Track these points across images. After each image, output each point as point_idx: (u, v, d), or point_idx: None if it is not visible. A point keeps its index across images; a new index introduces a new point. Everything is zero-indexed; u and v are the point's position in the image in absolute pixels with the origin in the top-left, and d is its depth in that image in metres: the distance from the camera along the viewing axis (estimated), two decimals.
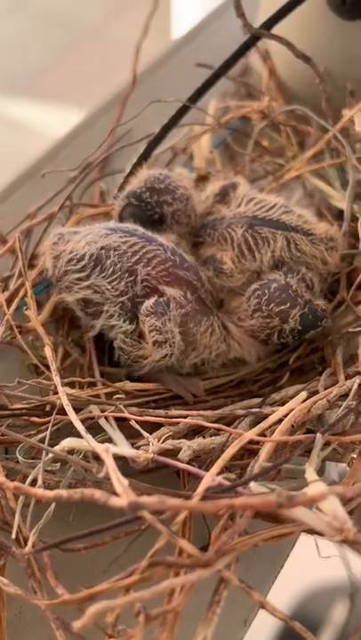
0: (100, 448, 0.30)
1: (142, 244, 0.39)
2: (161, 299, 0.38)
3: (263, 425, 0.31)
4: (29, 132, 1.54)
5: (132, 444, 0.35)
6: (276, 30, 0.46)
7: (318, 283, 0.42)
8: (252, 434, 0.30)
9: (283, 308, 0.39)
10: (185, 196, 0.43)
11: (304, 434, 0.33)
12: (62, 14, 1.85)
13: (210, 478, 0.28)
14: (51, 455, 0.33)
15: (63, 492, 0.27)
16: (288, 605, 0.85)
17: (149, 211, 0.42)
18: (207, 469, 0.31)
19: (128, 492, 0.27)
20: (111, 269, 0.38)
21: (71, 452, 0.33)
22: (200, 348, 0.40)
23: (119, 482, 0.27)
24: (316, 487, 0.27)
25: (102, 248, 0.39)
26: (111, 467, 0.28)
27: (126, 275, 0.38)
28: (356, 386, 0.34)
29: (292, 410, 0.33)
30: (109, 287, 0.38)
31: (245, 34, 0.45)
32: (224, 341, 0.40)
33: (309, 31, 0.50)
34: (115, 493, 0.27)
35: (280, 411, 0.31)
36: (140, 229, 0.40)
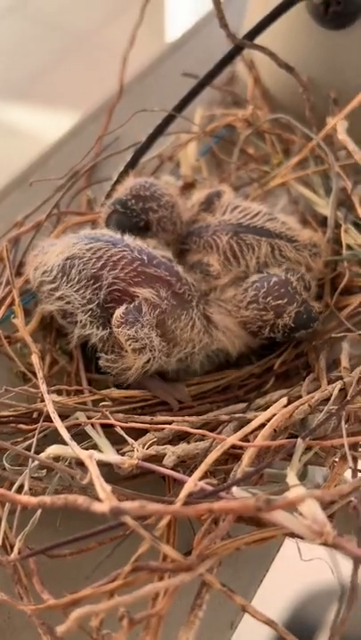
0: (84, 455, 0.31)
1: (107, 248, 0.39)
2: (131, 305, 0.38)
3: (246, 430, 0.31)
4: (23, 135, 1.55)
5: (118, 450, 0.35)
6: (260, 40, 0.46)
7: (314, 285, 0.42)
8: (234, 439, 0.31)
9: (280, 302, 0.39)
10: (170, 204, 0.43)
11: (287, 438, 0.33)
12: (57, 19, 1.86)
13: (192, 483, 0.28)
14: (37, 462, 0.33)
15: (47, 499, 0.28)
16: (285, 608, 0.85)
17: (135, 218, 0.43)
18: (192, 474, 0.32)
19: (110, 498, 0.27)
20: (76, 278, 0.39)
21: (57, 458, 0.34)
22: (182, 343, 0.39)
23: (102, 488, 0.28)
24: (296, 491, 0.28)
25: (68, 258, 0.39)
26: (95, 473, 0.29)
27: (92, 281, 0.38)
28: (337, 391, 0.34)
29: (275, 415, 0.33)
30: (77, 296, 0.39)
31: (230, 44, 0.46)
32: (206, 333, 0.40)
33: (293, 41, 0.50)
34: (98, 499, 0.28)
35: (262, 416, 0.32)
36: (108, 234, 0.41)
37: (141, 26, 0.54)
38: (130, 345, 0.37)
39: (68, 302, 0.39)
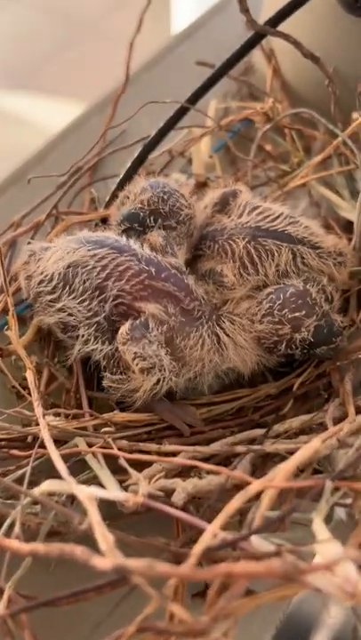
0: (83, 495, 0.27)
1: (113, 255, 0.36)
2: (137, 320, 0.34)
3: (270, 477, 0.28)
4: (25, 125, 1.51)
5: (121, 483, 0.32)
6: (281, 27, 0.42)
7: (337, 298, 0.39)
8: (257, 485, 0.27)
9: (297, 315, 0.36)
10: (189, 217, 0.39)
11: (311, 474, 0.30)
12: (61, 6, 1.82)
13: (210, 535, 0.25)
14: (29, 498, 0.29)
15: (40, 547, 0.24)
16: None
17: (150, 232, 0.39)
18: (204, 516, 0.28)
19: (113, 552, 0.24)
20: (80, 289, 0.35)
21: (53, 493, 0.30)
22: (191, 362, 0.36)
23: (104, 538, 0.24)
24: (326, 547, 0.24)
25: (69, 266, 0.36)
26: (95, 519, 0.25)
27: (97, 292, 0.35)
28: None
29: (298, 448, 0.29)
30: (81, 308, 0.35)
31: (249, 31, 0.42)
32: (217, 352, 0.36)
33: (318, 29, 0.46)
34: (98, 549, 0.24)
35: (288, 461, 0.28)
36: (112, 238, 0.37)
37: (148, 11, 0.50)
38: (137, 364, 0.33)
39: (70, 314, 0.35)
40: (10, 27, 1.76)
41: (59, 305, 0.35)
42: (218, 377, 0.38)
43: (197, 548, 0.24)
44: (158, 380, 0.34)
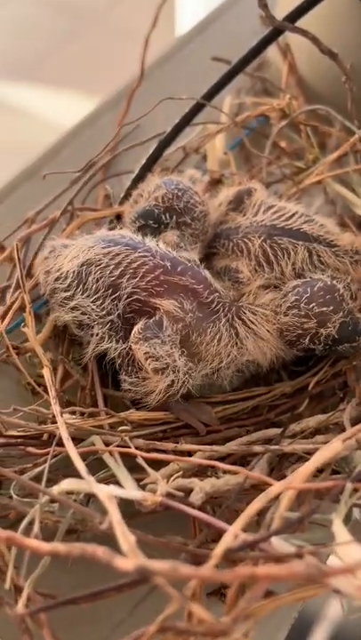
0: (102, 493, 0.27)
1: (126, 252, 0.35)
2: (151, 320, 0.34)
3: (290, 479, 0.28)
4: (32, 118, 1.51)
5: (138, 481, 0.32)
6: (298, 23, 0.42)
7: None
8: (278, 487, 0.27)
9: (324, 309, 0.35)
10: (203, 213, 0.39)
11: (332, 481, 0.30)
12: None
13: (231, 536, 0.25)
14: (47, 497, 0.29)
15: (60, 547, 0.24)
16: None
17: (166, 230, 0.39)
18: (222, 516, 0.28)
19: (135, 553, 0.24)
20: (94, 287, 0.35)
21: (71, 491, 0.30)
22: (208, 357, 0.36)
23: (125, 538, 0.24)
24: (347, 549, 0.24)
25: (83, 264, 0.36)
26: (116, 518, 0.25)
27: (110, 291, 0.35)
28: None
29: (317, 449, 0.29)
30: (94, 307, 0.35)
31: (266, 26, 0.41)
32: (235, 345, 0.36)
33: (336, 24, 0.46)
34: (119, 550, 0.24)
35: (308, 463, 0.28)
36: (127, 236, 0.37)
37: (153, 7, 0.50)
38: (149, 364, 0.33)
39: (84, 313, 0.35)
40: (14, 20, 1.76)
41: (72, 303, 0.35)
42: (238, 371, 0.37)
43: (219, 549, 0.24)
44: (173, 382, 0.34)
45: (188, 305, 0.35)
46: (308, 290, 0.36)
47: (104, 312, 0.35)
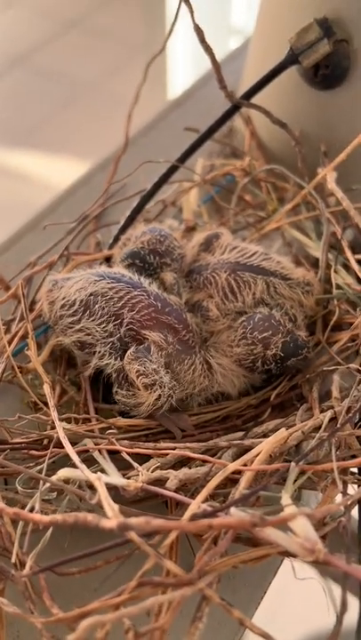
0: (93, 477, 0.33)
1: (128, 289, 0.43)
2: (141, 346, 0.41)
3: (246, 457, 0.34)
4: (31, 181, 1.62)
5: (123, 475, 0.38)
6: (256, 99, 0.51)
7: (302, 319, 0.45)
8: (235, 465, 0.33)
9: (265, 335, 0.43)
10: (181, 256, 0.47)
11: (282, 463, 0.36)
12: (61, 70, 1.95)
13: (196, 505, 0.31)
14: (48, 485, 0.35)
15: (58, 517, 0.30)
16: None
17: (150, 271, 0.46)
18: (193, 497, 0.34)
19: (118, 516, 0.29)
20: (99, 313, 0.42)
21: (67, 481, 0.36)
22: (185, 383, 0.43)
23: (110, 506, 0.30)
24: (289, 510, 0.30)
25: (91, 294, 0.42)
26: (103, 494, 0.31)
27: (113, 318, 0.42)
28: (328, 419, 0.37)
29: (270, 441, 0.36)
30: (99, 329, 0.42)
31: (228, 103, 0.50)
32: (206, 377, 0.43)
33: (286, 99, 0.55)
34: (106, 517, 0.30)
35: (261, 445, 0.34)
36: (127, 275, 0.44)
37: (145, 78, 0.58)
38: (140, 380, 0.40)
39: (89, 334, 0.42)
40: (12, 90, 1.89)
41: (78, 326, 0.42)
42: (208, 402, 0.45)
43: (187, 514, 0.30)
44: (159, 396, 0.40)
45: (170, 338, 0.42)
46: (251, 322, 0.43)
47: (107, 334, 0.42)
